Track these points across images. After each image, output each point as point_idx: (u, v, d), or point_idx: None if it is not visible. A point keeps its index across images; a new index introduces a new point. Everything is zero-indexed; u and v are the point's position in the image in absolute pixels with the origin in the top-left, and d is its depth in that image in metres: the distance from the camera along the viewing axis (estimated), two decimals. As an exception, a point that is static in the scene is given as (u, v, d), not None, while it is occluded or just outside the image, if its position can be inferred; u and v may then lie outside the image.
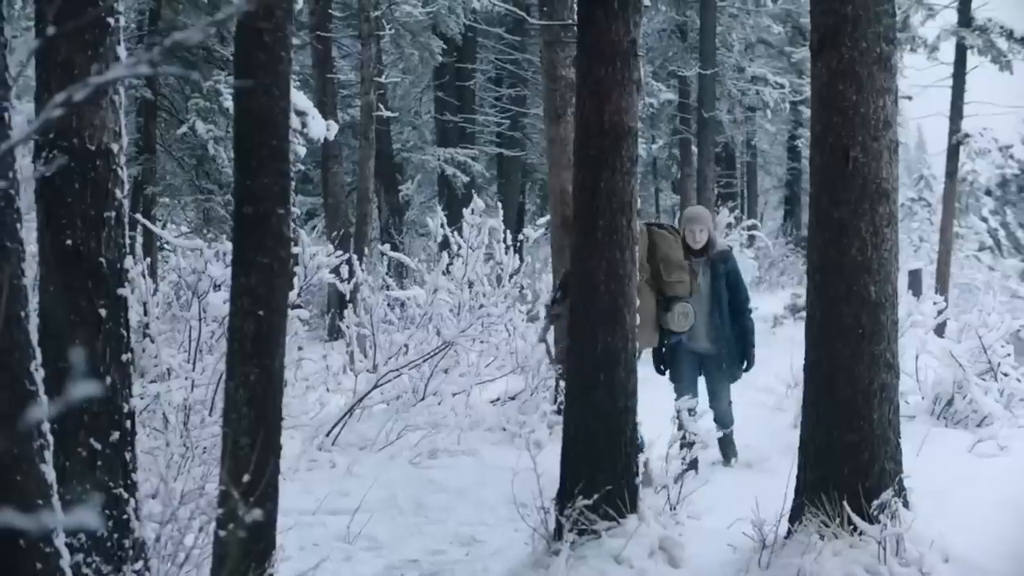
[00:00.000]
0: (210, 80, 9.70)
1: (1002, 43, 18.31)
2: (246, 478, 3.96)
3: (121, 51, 4.96)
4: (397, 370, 8.79)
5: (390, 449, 8.24)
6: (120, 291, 5.02)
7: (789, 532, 5.42)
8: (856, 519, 5.10)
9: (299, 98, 9.83)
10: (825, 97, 5.31)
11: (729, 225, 23.27)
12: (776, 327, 18.50)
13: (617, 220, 5.49)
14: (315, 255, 9.40)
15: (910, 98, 21.00)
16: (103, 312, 4.71)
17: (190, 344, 8.13)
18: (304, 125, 9.47)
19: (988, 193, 33.86)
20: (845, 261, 5.28)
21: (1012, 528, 5.86)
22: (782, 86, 24.04)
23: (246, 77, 4.09)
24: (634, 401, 5.69)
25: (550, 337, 7.98)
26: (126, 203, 5.11)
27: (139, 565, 4.72)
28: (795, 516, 5.44)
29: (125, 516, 4.66)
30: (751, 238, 24.49)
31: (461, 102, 21.93)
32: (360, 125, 13.17)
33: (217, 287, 7.88)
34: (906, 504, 5.38)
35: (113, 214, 4.88)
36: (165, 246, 11.24)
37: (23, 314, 3.75)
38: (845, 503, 5.16)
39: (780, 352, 15.05)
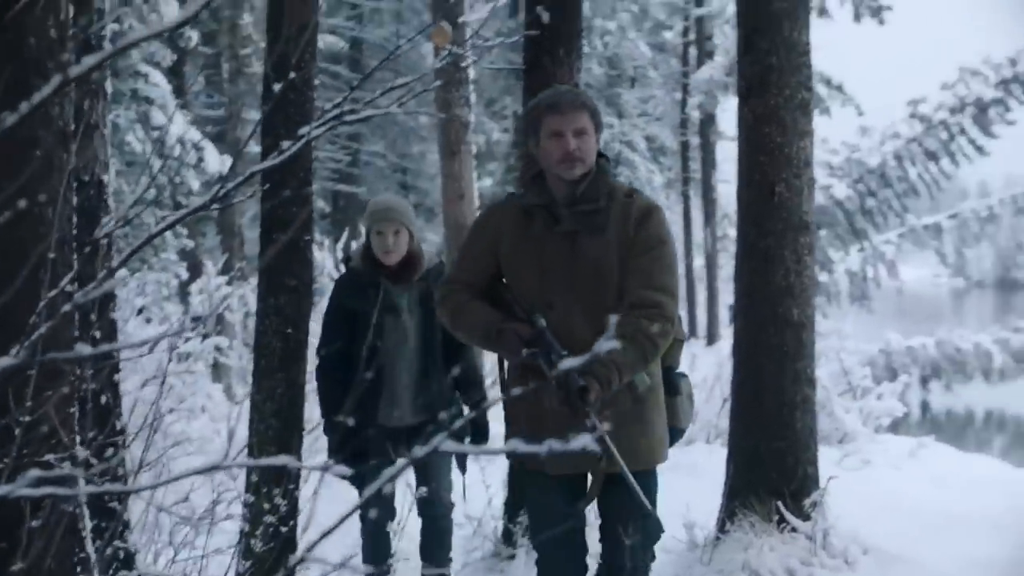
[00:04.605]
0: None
1: None
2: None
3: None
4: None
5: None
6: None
7: (723, 531, 5.91)
8: (790, 517, 5.66)
9: (193, 133, 9.97)
10: (752, 139, 5.89)
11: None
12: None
13: None
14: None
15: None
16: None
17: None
18: (200, 160, 9.60)
19: None
20: (771, 286, 5.85)
21: (902, 521, 6.49)
22: (611, 126, 24.75)
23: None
24: None
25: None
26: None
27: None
28: (728, 517, 5.95)
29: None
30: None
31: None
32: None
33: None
34: (823, 504, 5.96)
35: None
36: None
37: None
38: (780, 504, 5.71)
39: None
